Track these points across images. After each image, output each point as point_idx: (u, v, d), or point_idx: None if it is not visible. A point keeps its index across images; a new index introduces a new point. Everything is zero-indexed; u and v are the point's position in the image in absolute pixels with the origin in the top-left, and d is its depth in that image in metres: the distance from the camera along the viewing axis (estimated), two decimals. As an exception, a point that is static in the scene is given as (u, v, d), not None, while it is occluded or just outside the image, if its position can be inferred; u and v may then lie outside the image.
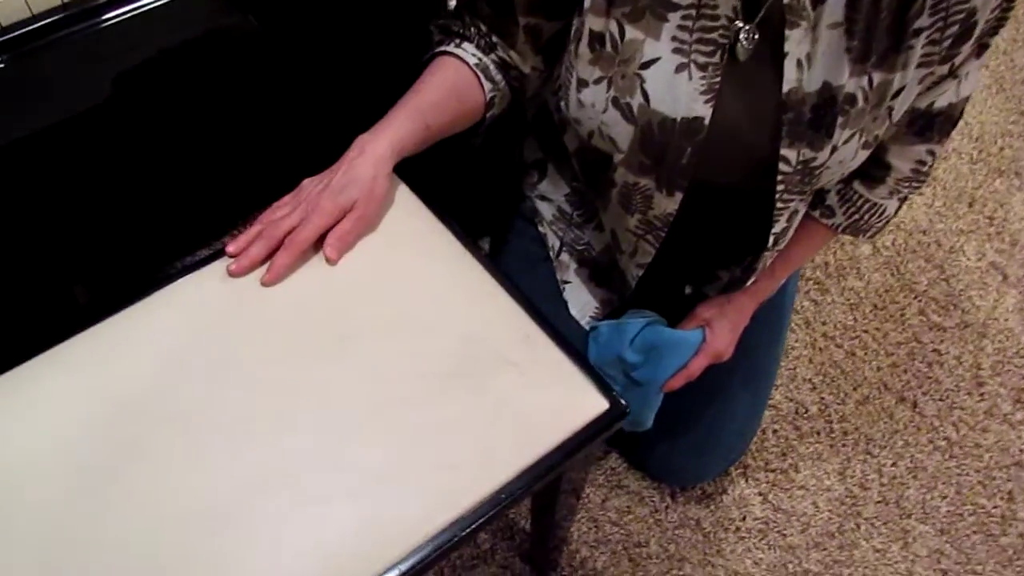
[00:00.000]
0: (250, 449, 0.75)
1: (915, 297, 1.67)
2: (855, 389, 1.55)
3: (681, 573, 1.34)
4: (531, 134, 1.19)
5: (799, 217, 1.01)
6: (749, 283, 1.07)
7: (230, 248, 0.86)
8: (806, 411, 1.51)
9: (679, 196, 0.96)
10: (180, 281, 0.86)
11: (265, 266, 0.85)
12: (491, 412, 0.78)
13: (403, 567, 0.71)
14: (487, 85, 0.97)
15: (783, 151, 0.90)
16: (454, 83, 0.96)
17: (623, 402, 0.80)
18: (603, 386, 0.81)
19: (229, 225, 1.64)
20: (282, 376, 0.79)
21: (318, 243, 0.86)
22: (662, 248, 1.05)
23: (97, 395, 0.77)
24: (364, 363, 0.80)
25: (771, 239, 0.99)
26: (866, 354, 1.59)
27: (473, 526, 0.73)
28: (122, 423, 0.76)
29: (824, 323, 1.62)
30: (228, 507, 0.72)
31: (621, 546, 1.35)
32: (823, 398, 1.53)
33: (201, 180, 1.47)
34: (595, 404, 0.80)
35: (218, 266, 0.86)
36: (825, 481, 1.44)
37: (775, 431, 1.48)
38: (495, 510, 0.74)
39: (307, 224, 0.84)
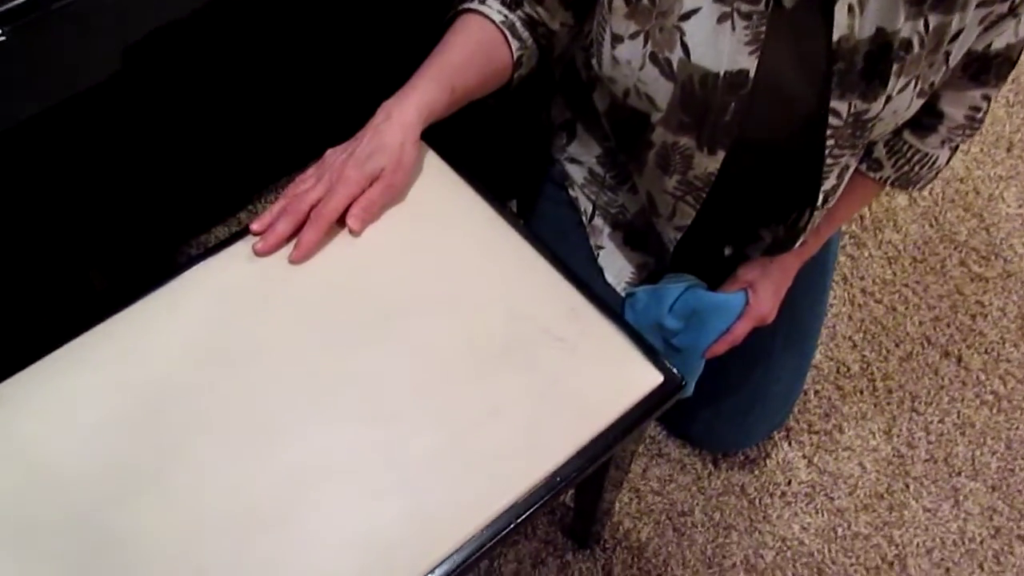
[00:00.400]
0: (289, 442, 0.72)
1: (955, 248, 1.63)
2: (897, 345, 1.51)
3: (728, 541, 1.31)
4: (558, 94, 1.14)
5: (850, 173, 0.96)
6: (797, 245, 1.03)
7: (254, 226, 0.83)
8: (848, 370, 1.48)
9: (721, 155, 0.92)
10: (202, 264, 0.82)
11: (292, 244, 0.82)
12: (541, 391, 0.74)
13: (456, 559, 0.68)
14: (514, 44, 0.92)
15: (833, 104, 0.85)
16: (479, 42, 0.91)
17: (678, 374, 0.77)
18: (656, 358, 0.78)
19: (244, 201, 1.61)
20: (318, 362, 0.76)
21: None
22: (702, 209, 1.01)
23: (125, 392, 0.74)
24: (405, 344, 0.77)
25: (820, 197, 0.95)
26: (907, 309, 1.55)
27: (528, 512, 0.71)
28: (153, 420, 0.73)
29: (862, 278, 1.58)
30: (270, 505, 0.69)
31: (665, 516, 1.33)
32: (865, 356, 1.50)
33: (215, 154, 1.43)
34: (649, 378, 0.76)
35: (242, 246, 0.83)
36: (871, 441, 1.41)
37: (817, 392, 1.45)
38: (550, 494, 0.71)
39: (332, 196, 0.81)
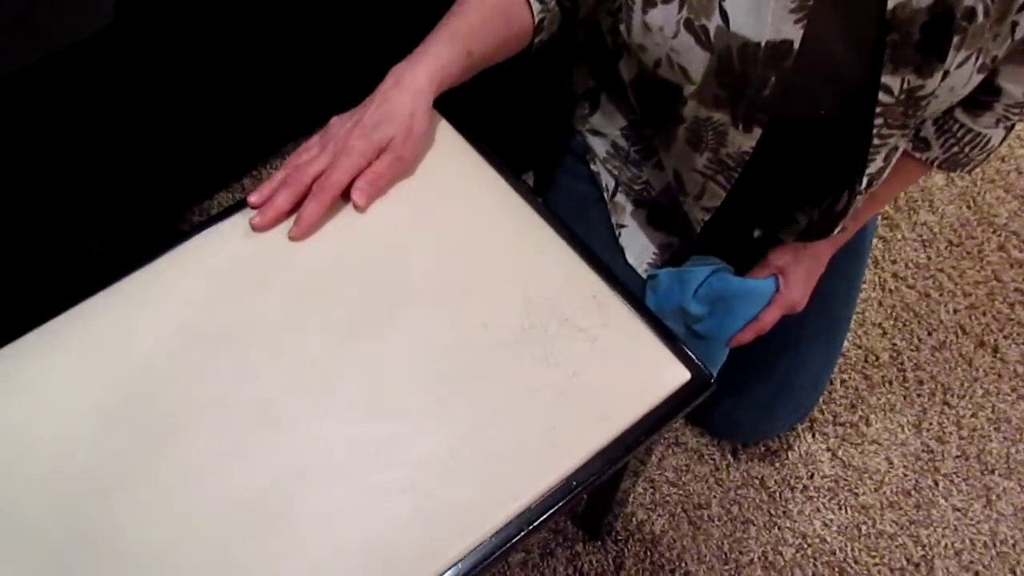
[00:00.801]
0: (285, 435, 0.67)
1: (994, 231, 1.57)
2: (930, 334, 1.46)
3: (745, 536, 1.27)
4: (582, 61, 1.08)
5: (898, 155, 0.90)
6: (836, 231, 0.97)
7: (252, 198, 0.77)
8: (877, 359, 1.43)
9: (758, 132, 0.87)
10: (196, 239, 0.77)
11: (292, 219, 0.77)
12: (559, 388, 0.69)
13: (461, 568, 0.63)
14: (536, 5, 0.86)
15: (884, 79, 0.79)
16: (497, 3, 0.85)
17: (707, 370, 0.72)
18: (683, 353, 0.72)
19: (248, 166, 1.56)
20: (318, 349, 0.71)
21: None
22: (733, 190, 0.96)
23: (109, 375, 0.69)
24: (412, 332, 0.72)
25: (864, 180, 0.88)
26: (941, 295, 1.50)
27: (541, 518, 0.66)
28: (139, 407, 0.68)
29: (894, 262, 1.52)
30: (262, 503, 0.64)
31: (680, 508, 1.29)
32: (895, 344, 1.45)
33: (218, 116, 1.38)
34: (676, 374, 0.71)
35: (239, 220, 0.78)
36: (899, 435, 1.36)
37: (843, 381, 1.40)
38: (565, 499, 0.67)
39: (336, 167, 0.75)
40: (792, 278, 1.06)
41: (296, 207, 0.77)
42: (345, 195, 0.77)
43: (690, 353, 0.72)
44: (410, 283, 0.74)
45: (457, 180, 0.81)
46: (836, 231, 0.97)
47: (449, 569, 0.63)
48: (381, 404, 0.68)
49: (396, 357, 0.70)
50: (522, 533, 0.65)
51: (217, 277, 0.74)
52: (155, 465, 0.65)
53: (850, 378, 1.40)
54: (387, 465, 0.66)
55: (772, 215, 1.08)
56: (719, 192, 0.96)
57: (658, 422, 0.70)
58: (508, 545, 0.65)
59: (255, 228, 0.76)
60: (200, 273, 0.75)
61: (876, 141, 0.84)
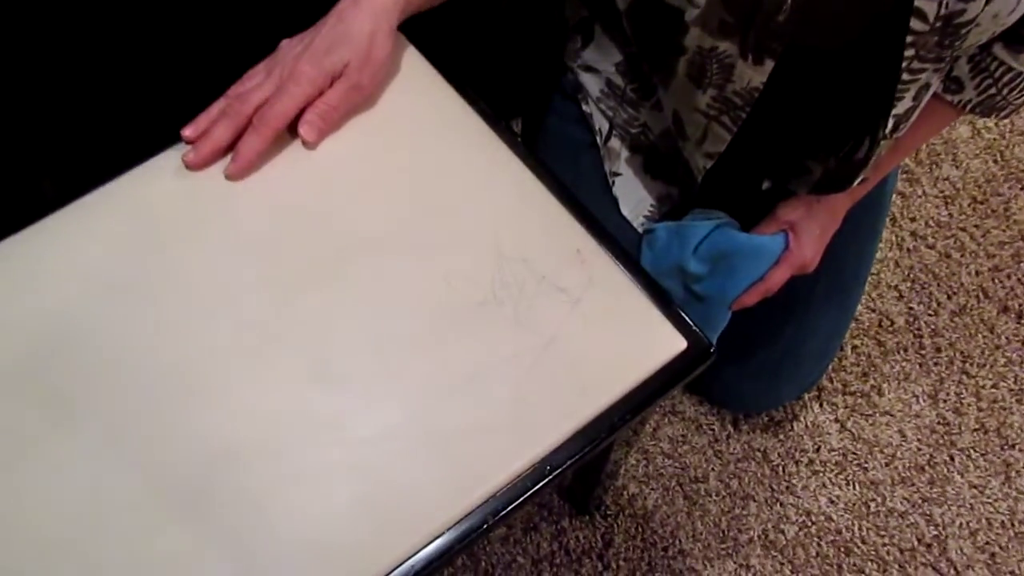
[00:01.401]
0: (216, 407, 0.59)
1: (1022, 188, 1.48)
2: (949, 297, 1.38)
3: (745, 512, 1.20)
4: (574, -13, 0.99)
5: (929, 94, 0.81)
6: (856, 182, 0.87)
7: (186, 131, 0.69)
8: (891, 324, 1.35)
9: (769, 65, 0.77)
10: (122, 178, 0.68)
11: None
12: (533, 356, 0.61)
13: (414, 563, 0.55)
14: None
15: (918, 3, 0.70)
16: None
17: (707, 338, 0.63)
18: (679, 318, 0.64)
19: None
20: (256, 305, 0.62)
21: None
22: (739, 133, 0.87)
23: (10, 333, 0.61)
24: (364, 289, 0.63)
25: (890, 123, 0.79)
26: (963, 256, 1.42)
27: (508, 508, 0.58)
28: (42, 372, 0.59)
29: (913, 219, 1.44)
30: (187, 484, 0.56)
31: (675, 481, 1.22)
32: (911, 308, 1.37)
33: (180, 52, 1.28)
34: (670, 342, 0.63)
35: (172, 156, 0.69)
36: (914, 406, 1.29)
37: (855, 347, 1.33)
38: (538, 486, 0.58)
39: (282, 95, 0.67)
40: (804, 235, 0.97)
41: (236, 142, 0.68)
42: (293, 129, 0.68)
43: (687, 318, 0.64)
44: (363, 232, 0.65)
45: (422, 114, 0.72)
46: (856, 183, 0.87)
47: (398, 567, 0.55)
48: (325, 372, 0.60)
49: (344, 317, 0.62)
50: (485, 525, 0.57)
51: (141, 221, 0.66)
52: (56, 437, 0.57)
53: (862, 344, 1.33)
54: (329, 443, 0.58)
55: (783, 163, 0.99)
56: (723, 136, 0.88)
57: (648, 398, 0.61)
58: (469, 539, 0.57)
59: (188, 166, 0.68)
60: (122, 216, 0.66)
61: (906, 76, 0.75)
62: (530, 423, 0.59)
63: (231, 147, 0.68)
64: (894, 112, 0.78)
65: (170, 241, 0.65)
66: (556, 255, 0.65)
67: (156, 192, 0.67)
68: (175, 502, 0.56)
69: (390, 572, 0.55)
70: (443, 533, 0.56)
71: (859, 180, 0.87)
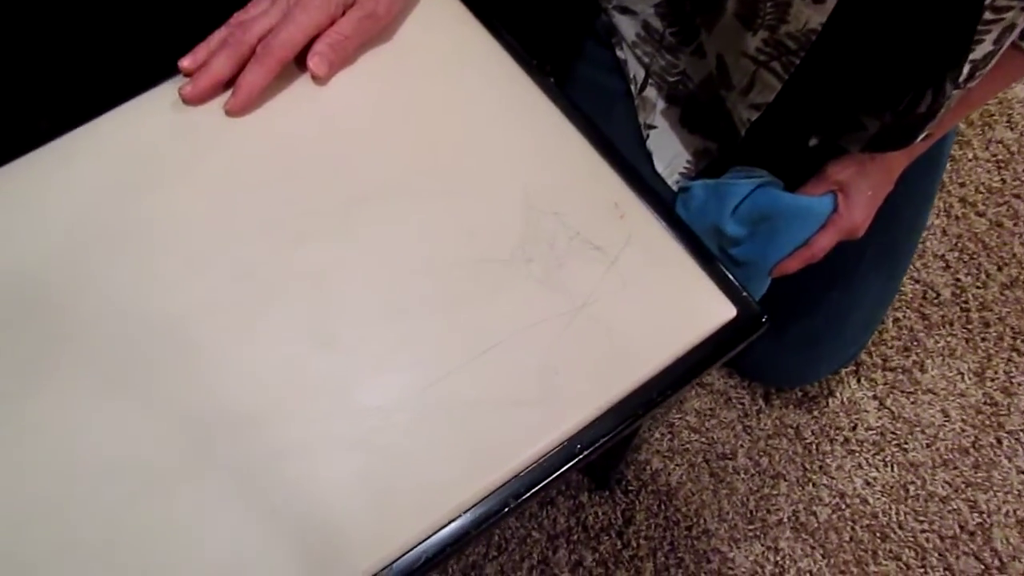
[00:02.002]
0: (204, 367, 0.53)
1: (1081, 153, 1.41)
2: (1000, 269, 1.33)
3: (775, 492, 1.15)
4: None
5: (1012, 37, 0.73)
6: (920, 138, 0.81)
7: (184, 62, 0.63)
8: (937, 296, 1.30)
9: (831, 3, 0.70)
10: (114, 112, 0.63)
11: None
12: (564, 321, 0.55)
13: (424, 550, 0.50)
14: None
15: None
16: None
17: (758, 306, 0.57)
18: (727, 282, 0.57)
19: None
20: (252, 256, 0.56)
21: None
22: (790, 81, 0.80)
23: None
24: (375, 241, 0.57)
25: (965, 69, 0.72)
26: (1016, 225, 1.36)
27: (532, 490, 0.52)
28: (14, 325, 0.54)
29: (963, 185, 1.38)
30: (169, 456, 0.51)
31: (701, 457, 1.17)
32: (959, 280, 1.31)
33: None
34: (717, 309, 0.56)
35: (168, 89, 0.63)
36: (958, 384, 1.24)
37: (897, 320, 1.27)
38: (566, 466, 0.53)
39: (288, 23, 0.61)
40: (855, 196, 0.91)
41: (237, 74, 0.62)
42: (300, 63, 0.62)
43: (737, 282, 0.57)
44: (375, 178, 0.59)
45: (445, 50, 0.65)
46: (920, 137, 0.81)
47: (407, 553, 0.49)
48: (328, 333, 0.54)
49: (352, 271, 0.56)
50: (506, 508, 0.51)
51: (132, 159, 0.60)
52: (32, 396, 0.52)
53: (905, 317, 1.27)
54: (330, 412, 0.52)
55: (835, 118, 0.92)
56: (773, 84, 0.81)
57: (690, 371, 0.55)
58: (486, 524, 0.51)
59: (185, 100, 0.62)
60: (109, 155, 0.60)
61: (988, 15, 0.68)
62: (558, 396, 0.53)
63: (233, 80, 0.62)
64: (971, 57, 0.71)
65: (160, 182, 0.59)
66: (591, 209, 0.58)
67: (147, 129, 0.61)
68: (159, 472, 0.50)
69: (397, 559, 0.49)
70: (458, 517, 0.51)
71: (922, 136, 0.81)
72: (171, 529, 0.49)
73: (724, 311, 0.56)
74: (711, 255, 0.58)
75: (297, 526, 0.49)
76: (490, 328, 0.54)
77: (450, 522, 0.50)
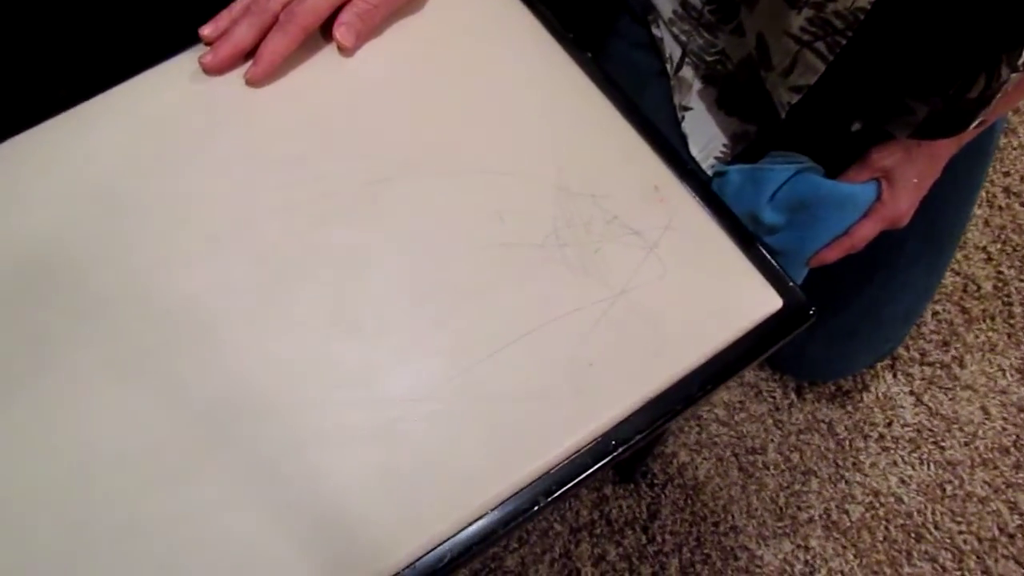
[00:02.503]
0: (220, 350, 0.51)
1: None
2: (1044, 262, 1.28)
3: (806, 489, 1.12)
4: None
5: (1078, 15, 0.70)
6: (973, 125, 0.77)
7: (205, 30, 0.61)
8: (978, 289, 1.26)
9: (883, -22, 0.67)
10: (130, 83, 0.60)
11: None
12: (599, 310, 0.52)
13: (446, 550, 0.47)
14: None
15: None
16: None
17: (805, 297, 0.54)
18: (773, 271, 0.55)
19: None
20: (273, 236, 0.54)
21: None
22: (835, 63, 0.76)
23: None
24: (403, 222, 0.55)
25: (1024, 52, 0.69)
26: (1061, 217, 1.31)
27: (564, 488, 0.49)
28: (25, 303, 0.51)
29: (1007, 174, 1.34)
30: (184, 442, 0.48)
31: (730, 451, 1.14)
32: (1001, 272, 1.27)
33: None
34: (762, 300, 0.54)
35: (186, 60, 0.60)
36: (999, 380, 1.20)
37: (936, 313, 1.24)
38: (598, 464, 0.50)
39: None
40: (899, 184, 0.87)
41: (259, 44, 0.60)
42: (326, 32, 0.60)
43: (783, 272, 0.54)
44: (402, 155, 0.56)
45: (477, 21, 0.63)
46: (973, 125, 0.77)
47: (430, 552, 0.47)
48: (350, 317, 0.52)
49: (376, 254, 0.53)
50: (536, 507, 0.49)
51: (149, 131, 0.57)
52: (44, 376, 0.49)
53: (944, 310, 1.23)
54: (351, 402, 0.49)
55: (881, 101, 0.88)
56: (816, 66, 0.78)
57: (732, 365, 0.53)
58: (515, 522, 0.48)
59: (205, 69, 0.60)
60: (124, 126, 0.58)
61: (1055, -6, 0.64)
62: (593, 389, 0.50)
63: (255, 51, 0.60)
64: (1032, 39, 0.67)
65: (178, 156, 0.56)
66: (630, 192, 0.56)
67: (166, 100, 0.59)
68: (169, 462, 0.48)
69: (420, 558, 0.47)
70: (484, 515, 0.48)
71: (976, 123, 0.77)
72: (183, 522, 0.47)
73: (770, 302, 0.53)
74: (756, 242, 0.55)
75: (314, 522, 0.47)
76: (521, 316, 0.52)
77: (476, 520, 0.48)
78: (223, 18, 0.61)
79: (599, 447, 0.50)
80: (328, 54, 0.60)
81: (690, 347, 0.52)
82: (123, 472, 0.48)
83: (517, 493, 0.49)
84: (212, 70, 0.60)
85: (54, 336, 0.51)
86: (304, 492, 0.47)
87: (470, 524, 0.48)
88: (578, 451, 0.50)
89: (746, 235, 0.55)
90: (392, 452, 0.48)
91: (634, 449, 0.51)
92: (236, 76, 0.59)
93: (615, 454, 0.50)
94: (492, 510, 0.48)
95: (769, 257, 0.55)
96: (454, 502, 0.48)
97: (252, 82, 0.58)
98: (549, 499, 0.49)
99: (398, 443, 0.49)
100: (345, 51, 0.60)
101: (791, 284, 0.54)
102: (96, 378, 0.49)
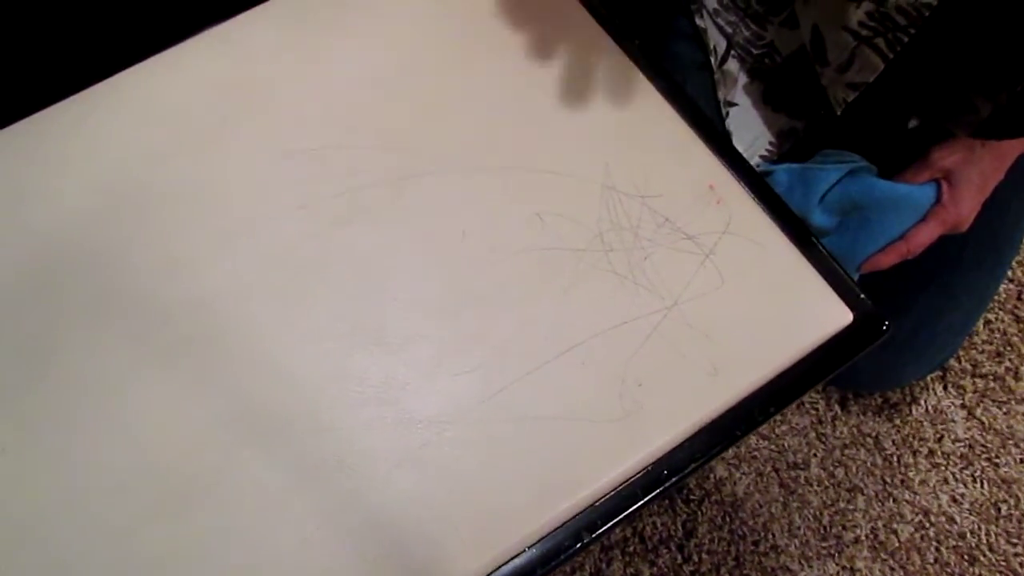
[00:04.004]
0: (236, 359, 0.46)
1: None
2: (1104, 269, 1.21)
3: (851, 507, 1.06)
4: None
5: None
6: None
7: None
8: (1033, 296, 1.19)
9: (950, -29, 0.62)
10: (136, 69, 0.56)
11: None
12: (650, 324, 0.47)
13: (486, 591, 0.43)
14: None
15: None
16: None
17: (880, 311, 0.49)
18: (843, 283, 0.49)
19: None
20: (295, 239, 0.49)
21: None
22: (895, 60, 0.72)
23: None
24: (432, 224, 0.50)
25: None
26: (1122, 220, 1.23)
27: (609, 524, 0.44)
28: (28, 304, 0.47)
29: (1063, 175, 1.26)
30: (187, 464, 0.44)
31: (771, 466, 1.09)
32: (1058, 280, 1.21)
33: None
34: (829, 315, 0.49)
35: (201, 44, 0.56)
36: (1056, 394, 1.14)
37: (988, 323, 1.18)
38: (649, 496, 0.45)
39: None
40: (961, 186, 0.82)
41: None
42: (350, 25, 0.55)
43: (853, 283, 0.49)
44: (433, 151, 0.52)
45: (517, 5, 0.58)
46: (1045, 126, 0.72)
47: (463, 595, 0.42)
48: (373, 329, 0.47)
49: (402, 259, 0.49)
50: (579, 544, 0.44)
51: (156, 123, 0.53)
52: (44, 379, 0.45)
53: (997, 319, 1.18)
54: (374, 422, 0.45)
55: (943, 98, 0.83)
56: (875, 63, 0.73)
57: (797, 384, 0.48)
58: (556, 561, 0.44)
59: None
60: (136, 115, 0.54)
61: None
62: (643, 412, 0.46)
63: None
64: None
65: (190, 146, 0.52)
66: (683, 191, 0.51)
67: (179, 88, 0.54)
68: (173, 487, 0.44)
69: (448, 600, 0.42)
70: (522, 552, 0.43)
71: (1051, 121, 0.72)
72: (184, 555, 0.42)
73: (839, 315, 0.48)
74: (824, 250, 0.50)
75: (330, 557, 0.42)
76: (562, 329, 0.47)
77: (513, 558, 0.43)
78: None
79: (650, 477, 0.45)
80: (356, 40, 0.56)
81: (750, 366, 0.47)
82: (119, 499, 0.43)
83: (558, 528, 0.44)
84: None
85: (47, 345, 0.47)
86: (319, 524, 0.43)
87: (506, 563, 0.43)
88: (626, 481, 0.45)
89: (811, 241, 0.50)
90: (420, 480, 0.44)
91: (688, 478, 0.47)
92: (252, 63, 0.55)
93: (667, 484, 0.45)
94: (530, 547, 0.43)
95: (837, 265, 0.50)
96: (488, 538, 0.43)
97: None
98: (594, 535, 0.44)
99: (426, 471, 0.44)
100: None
101: (861, 295, 0.49)
102: (90, 393, 0.45)
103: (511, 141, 0.52)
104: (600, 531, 0.44)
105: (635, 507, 0.45)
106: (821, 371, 0.48)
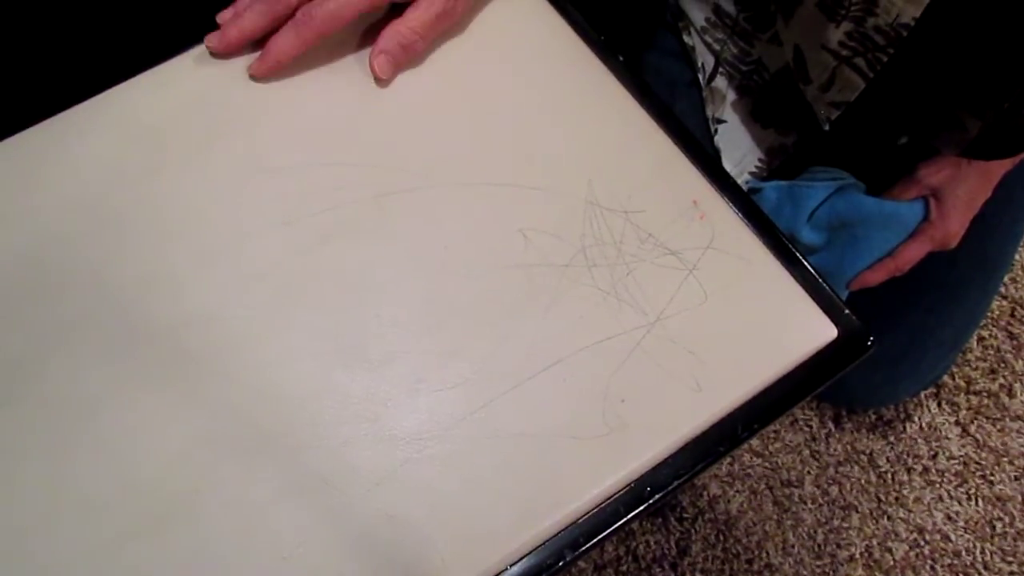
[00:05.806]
0: (215, 378, 0.46)
1: None
2: (1098, 283, 1.22)
3: (845, 525, 1.06)
4: None
5: None
6: None
7: (225, 14, 0.57)
8: (1027, 312, 1.20)
9: (928, -7, 0.62)
10: (119, 89, 0.56)
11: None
12: (632, 340, 0.47)
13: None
14: None
15: None
16: None
17: (864, 326, 0.49)
18: (827, 298, 0.49)
19: None
20: (277, 255, 0.49)
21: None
22: (876, 79, 0.72)
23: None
24: (415, 240, 0.50)
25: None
26: (1116, 235, 1.24)
27: (591, 541, 0.44)
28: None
29: (1056, 190, 1.26)
30: (165, 485, 0.43)
31: (764, 484, 1.09)
32: (1051, 295, 1.21)
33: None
34: (813, 330, 0.49)
35: (183, 63, 0.57)
36: (1051, 411, 1.14)
37: (982, 339, 1.19)
38: (632, 513, 0.45)
39: None
40: (949, 203, 0.83)
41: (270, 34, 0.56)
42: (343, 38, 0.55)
43: (838, 298, 0.49)
44: (415, 167, 0.52)
45: (502, 23, 0.58)
46: (1032, 145, 0.72)
47: (443, 614, 0.42)
48: (355, 345, 0.47)
49: (385, 275, 0.49)
50: (562, 562, 0.43)
51: (138, 140, 0.53)
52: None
53: (991, 335, 1.18)
54: (353, 440, 0.44)
55: (928, 116, 0.83)
56: (855, 82, 0.73)
57: (782, 401, 0.48)
58: (538, 579, 0.43)
59: (211, 51, 0.56)
60: (118, 132, 0.53)
61: None
62: (626, 428, 0.45)
63: (263, 38, 0.55)
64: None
65: (170, 163, 0.52)
66: (666, 207, 0.51)
67: (161, 103, 0.54)
68: (147, 507, 0.43)
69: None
70: (503, 571, 0.43)
71: (1034, 139, 0.72)
72: (165, 570, 0.42)
73: (823, 331, 0.48)
74: (807, 264, 0.50)
75: (304, 571, 0.42)
76: (545, 346, 0.47)
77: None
78: (241, 2, 0.57)
79: (633, 494, 0.45)
80: (340, 54, 0.56)
81: (734, 382, 0.47)
82: (99, 518, 0.43)
83: (540, 546, 0.43)
84: (219, 51, 0.55)
85: (26, 364, 0.46)
86: (301, 545, 0.42)
87: (487, 581, 0.43)
88: (609, 499, 0.44)
89: (795, 256, 0.50)
90: (400, 498, 0.43)
91: (672, 495, 0.46)
92: (235, 79, 0.55)
93: (650, 502, 0.45)
94: (512, 565, 0.43)
95: (822, 280, 0.50)
96: (469, 556, 0.43)
97: (254, 77, 0.54)
98: (577, 552, 0.44)
99: (406, 488, 0.43)
100: (379, 80, 0.55)
101: (846, 311, 0.49)
102: (69, 411, 0.45)
103: (494, 157, 0.52)
104: (583, 549, 0.44)
105: (618, 524, 0.44)
106: (806, 387, 0.48)
